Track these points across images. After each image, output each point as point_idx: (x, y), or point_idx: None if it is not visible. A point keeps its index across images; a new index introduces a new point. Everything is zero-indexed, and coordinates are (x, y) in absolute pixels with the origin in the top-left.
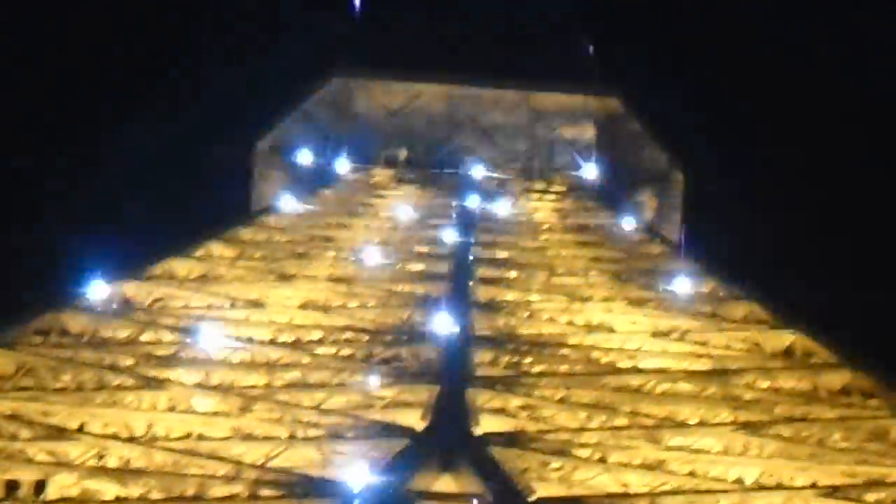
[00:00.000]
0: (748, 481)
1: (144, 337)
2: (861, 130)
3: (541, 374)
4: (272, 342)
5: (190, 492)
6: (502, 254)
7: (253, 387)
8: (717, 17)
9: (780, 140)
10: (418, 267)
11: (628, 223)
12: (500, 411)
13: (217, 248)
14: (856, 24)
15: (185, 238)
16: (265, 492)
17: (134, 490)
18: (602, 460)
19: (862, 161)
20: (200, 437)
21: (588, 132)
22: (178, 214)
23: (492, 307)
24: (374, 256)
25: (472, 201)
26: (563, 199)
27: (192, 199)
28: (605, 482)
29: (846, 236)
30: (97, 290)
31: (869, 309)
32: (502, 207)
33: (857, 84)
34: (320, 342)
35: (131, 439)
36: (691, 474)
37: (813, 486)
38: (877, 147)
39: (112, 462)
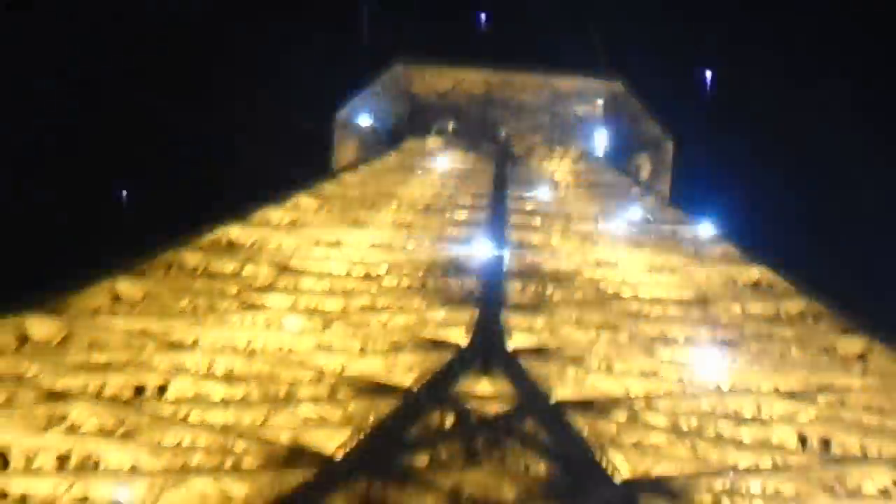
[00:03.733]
0: (725, 388)
1: (246, 271)
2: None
3: (560, 301)
4: (348, 275)
5: (282, 393)
6: (530, 206)
7: (332, 310)
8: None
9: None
10: (463, 216)
11: (629, 181)
12: (528, 330)
13: (304, 200)
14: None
15: (279, 191)
16: (342, 394)
17: (237, 392)
18: (608, 369)
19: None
20: (291, 350)
21: (597, 109)
22: (274, 172)
23: (522, 247)
24: (428, 207)
25: (506, 165)
26: (577, 162)
27: (286, 160)
28: (610, 387)
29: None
30: (208, 232)
31: (821, 246)
32: (529, 169)
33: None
34: (386, 274)
35: (235, 352)
36: (679, 381)
37: (776, 390)
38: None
39: (220, 370)
